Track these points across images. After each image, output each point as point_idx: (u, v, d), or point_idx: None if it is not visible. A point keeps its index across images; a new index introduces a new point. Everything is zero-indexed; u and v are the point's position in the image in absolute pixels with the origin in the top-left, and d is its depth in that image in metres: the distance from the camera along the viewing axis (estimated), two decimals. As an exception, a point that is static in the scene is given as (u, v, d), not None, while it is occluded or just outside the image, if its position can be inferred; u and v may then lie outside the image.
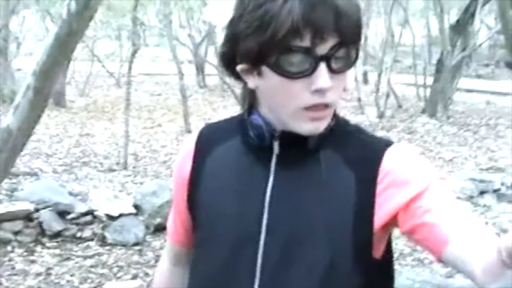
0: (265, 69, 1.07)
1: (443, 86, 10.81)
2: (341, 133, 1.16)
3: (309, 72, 1.04)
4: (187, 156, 1.26)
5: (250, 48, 1.06)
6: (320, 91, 1.05)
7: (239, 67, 1.12)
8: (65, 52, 1.90)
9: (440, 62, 11.12)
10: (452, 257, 0.99)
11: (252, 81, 1.12)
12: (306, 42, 1.02)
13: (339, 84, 1.08)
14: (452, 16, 11.80)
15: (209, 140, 1.25)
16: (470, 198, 6.04)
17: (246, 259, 1.13)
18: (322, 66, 1.04)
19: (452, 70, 10.86)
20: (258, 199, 1.14)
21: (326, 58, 1.04)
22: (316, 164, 1.12)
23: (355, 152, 1.14)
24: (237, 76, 1.15)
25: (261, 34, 1.03)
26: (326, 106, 1.08)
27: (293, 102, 1.07)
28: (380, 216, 1.09)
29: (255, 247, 1.13)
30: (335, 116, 1.16)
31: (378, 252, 1.12)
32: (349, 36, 1.04)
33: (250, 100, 1.18)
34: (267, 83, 1.09)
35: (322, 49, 1.03)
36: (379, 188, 1.09)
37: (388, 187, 1.09)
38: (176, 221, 1.34)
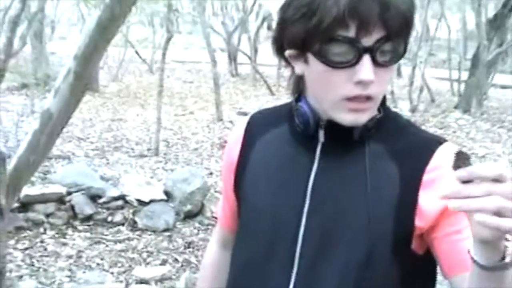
0: (310, 56, 1.07)
1: (478, 81, 10.66)
2: (390, 126, 1.15)
3: (353, 63, 1.03)
4: (236, 141, 1.27)
5: (296, 34, 1.06)
6: (362, 83, 1.03)
7: (287, 53, 1.12)
8: (106, 36, 1.90)
9: (475, 56, 10.97)
10: (461, 285, 1.00)
11: (299, 67, 1.12)
12: (351, 33, 1.01)
13: (384, 77, 1.06)
14: (489, 11, 11.61)
15: (258, 126, 1.26)
16: (503, 195, 5.95)
17: (285, 248, 1.13)
18: (366, 58, 1.02)
19: (487, 65, 10.70)
20: (300, 187, 1.14)
21: (371, 50, 1.02)
22: (360, 156, 1.11)
23: (403, 146, 1.12)
24: (287, 61, 1.15)
25: (307, 21, 1.03)
26: (368, 98, 1.06)
27: (335, 92, 1.06)
28: (423, 211, 1.07)
29: (295, 236, 1.13)
30: (384, 108, 1.14)
31: (420, 248, 1.10)
32: (395, 29, 1.02)
33: (299, 86, 1.17)
34: (312, 70, 1.09)
35: (367, 41, 1.02)
36: (425, 184, 1.07)
37: (433, 184, 1.07)
38: (225, 205, 1.36)
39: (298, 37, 1.06)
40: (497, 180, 0.83)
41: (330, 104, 1.08)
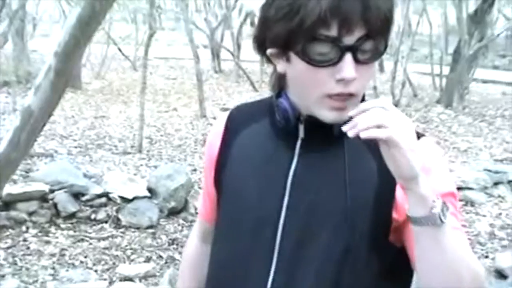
0: (292, 55, 1.08)
1: (459, 76, 10.74)
2: None
3: (335, 61, 1.04)
4: (217, 135, 1.29)
5: (278, 33, 1.07)
6: (344, 81, 1.05)
7: (268, 51, 1.13)
8: (87, 33, 1.90)
9: (457, 51, 11.04)
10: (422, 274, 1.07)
11: (280, 65, 1.14)
12: (333, 32, 1.02)
13: (365, 75, 1.08)
14: (470, 6, 11.68)
15: (239, 120, 1.28)
16: (484, 188, 6.02)
17: (265, 240, 1.16)
18: (348, 57, 1.04)
19: (468, 60, 10.77)
20: (280, 181, 1.16)
21: (353, 49, 1.04)
22: (340, 150, 1.13)
23: None
24: (268, 59, 1.16)
25: (289, 21, 1.04)
26: (350, 95, 1.08)
27: (317, 90, 1.08)
28: (399, 204, 1.10)
29: (275, 228, 1.15)
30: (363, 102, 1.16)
31: (398, 241, 1.12)
32: (376, 28, 1.04)
33: (280, 83, 1.19)
34: (294, 68, 1.10)
35: (349, 39, 1.03)
36: None
37: None
38: (205, 198, 1.37)
39: (280, 36, 1.07)
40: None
41: (312, 101, 1.10)
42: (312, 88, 1.08)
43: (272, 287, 1.15)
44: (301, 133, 1.16)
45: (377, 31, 1.04)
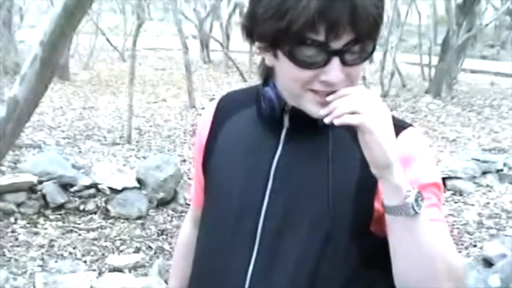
0: (279, 53, 1.08)
1: (448, 66, 10.76)
2: None
3: (322, 64, 1.04)
4: (205, 122, 1.30)
5: (266, 32, 1.07)
6: (329, 83, 1.05)
7: (256, 44, 1.13)
8: (72, 23, 1.89)
9: (445, 42, 11.07)
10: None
11: (268, 59, 1.14)
12: (321, 36, 1.02)
13: (354, 74, 1.08)
14: (459, -4, 11.71)
15: (227, 108, 1.28)
16: (473, 178, 6.05)
17: (247, 229, 1.16)
18: (335, 60, 1.04)
19: (457, 50, 10.80)
20: (264, 169, 1.17)
21: (340, 53, 1.03)
22: (324, 140, 1.13)
23: None
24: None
25: (276, 22, 1.03)
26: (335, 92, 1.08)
27: (300, 85, 1.08)
28: (380, 195, 1.09)
29: (257, 216, 1.16)
30: None
31: (381, 231, 1.11)
32: (365, 32, 1.03)
33: (268, 72, 1.19)
34: (280, 65, 1.10)
35: (337, 44, 1.03)
36: None
37: None
38: (196, 185, 1.38)
39: (268, 35, 1.07)
40: None
41: (299, 95, 1.10)
42: (298, 85, 1.08)
43: (252, 275, 1.16)
44: (286, 123, 1.17)
45: (365, 35, 1.04)
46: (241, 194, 1.19)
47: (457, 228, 5.05)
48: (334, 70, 1.03)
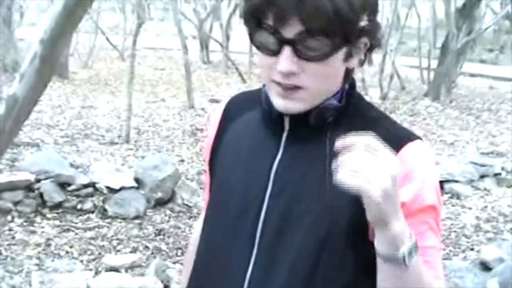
0: None
1: (447, 69, 10.78)
2: (357, 117, 1.15)
3: (275, 52, 1.06)
4: (214, 123, 1.31)
5: (241, 14, 1.11)
6: (282, 73, 1.06)
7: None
8: (73, 21, 1.89)
9: (445, 45, 11.09)
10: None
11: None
12: (270, 22, 1.04)
13: (315, 71, 1.07)
14: (459, 0, 11.72)
15: (236, 108, 1.30)
16: (471, 181, 6.06)
17: (246, 230, 1.17)
18: (287, 50, 1.05)
19: (456, 53, 10.82)
20: (265, 171, 1.17)
21: (293, 43, 1.04)
22: (322, 144, 1.13)
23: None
24: None
25: (245, 3, 1.08)
26: (296, 87, 1.08)
27: (266, 74, 1.11)
28: None
29: (257, 218, 1.16)
30: (349, 99, 1.16)
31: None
32: (315, 26, 1.02)
33: None
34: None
35: (288, 32, 1.04)
36: None
37: None
38: (206, 185, 1.39)
39: (242, 17, 1.11)
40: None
41: (269, 87, 1.13)
42: (263, 72, 1.12)
43: (251, 277, 1.15)
44: (287, 125, 1.17)
45: (317, 30, 1.03)
46: (242, 196, 1.19)
47: (455, 231, 5.05)
48: (284, 59, 1.05)
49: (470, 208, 5.60)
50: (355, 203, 1.07)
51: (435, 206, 1.11)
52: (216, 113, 1.32)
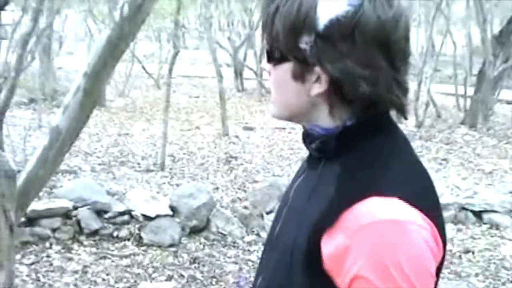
0: None
1: (484, 96, 10.65)
2: (361, 152, 1.08)
3: None
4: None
5: None
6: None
7: None
8: (115, 54, 1.92)
9: (481, 72, 10.97)
10: None
11: None
12: None
13: (272, 76, 1.12)
14: (495, 26, 11.62)
15: None
16: (510, 212, 5.93)
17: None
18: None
19: (493, 81, 10.69)
20: (290, 191, 1.23)
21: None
22: (315, 174, 1.13)
23: (356, 175, 1.05)
24: None
25: None
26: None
27: None
28: (324, 251, 1.03)
29: (271, 238, 1.24)
30: (350, 133, 1.09)
31: (337, 273, 1.03)
32: (263, 32, 1.10)
33: None
34: None
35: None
36: (334, 227, 1.01)
37: (338, 234, 1.00)
38: None
39: None
40: None
41: None
42: None
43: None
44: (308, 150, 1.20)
45: (266, 37, 1.10)
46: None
47: (494, 263, 4.95)
48: (264, 59, 1.13)
49: (509, 239, 5.48)
50: (311, 232, 1.04)
51: (364, 276, 0.97)
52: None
